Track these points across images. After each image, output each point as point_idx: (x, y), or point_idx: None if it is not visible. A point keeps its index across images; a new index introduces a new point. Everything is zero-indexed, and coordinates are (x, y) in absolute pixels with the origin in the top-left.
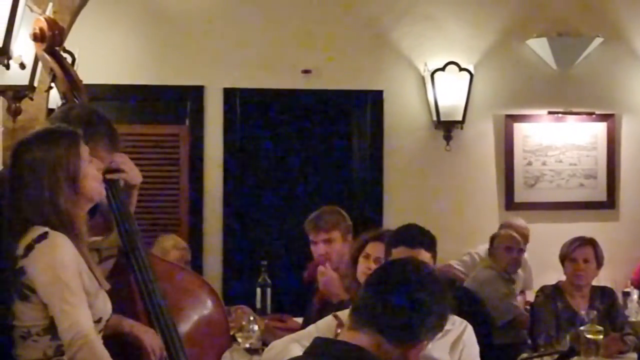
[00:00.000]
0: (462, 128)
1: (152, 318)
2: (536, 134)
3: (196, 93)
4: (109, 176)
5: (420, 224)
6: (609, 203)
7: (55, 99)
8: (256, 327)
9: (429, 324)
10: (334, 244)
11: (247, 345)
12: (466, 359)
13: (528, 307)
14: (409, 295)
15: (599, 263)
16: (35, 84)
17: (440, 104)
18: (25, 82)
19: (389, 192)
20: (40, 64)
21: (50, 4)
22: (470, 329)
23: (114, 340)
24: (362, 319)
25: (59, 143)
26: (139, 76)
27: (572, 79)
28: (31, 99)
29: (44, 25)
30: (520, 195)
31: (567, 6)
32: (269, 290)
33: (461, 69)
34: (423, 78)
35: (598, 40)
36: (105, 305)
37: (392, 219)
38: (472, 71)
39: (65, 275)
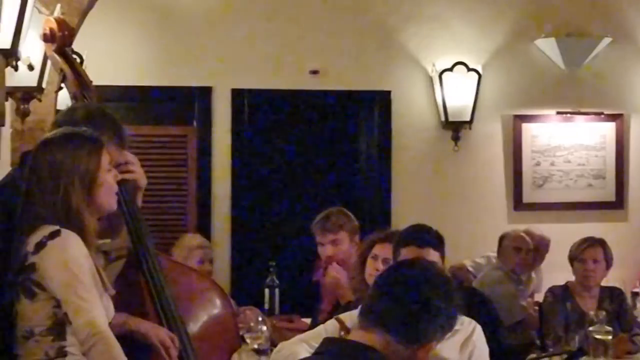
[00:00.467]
0: (470, 128)
1: (161, 318)
2: (544, 134)
3: (204, 94)
4: (120, 176)
5: (429, 224)
6: (618, 203)
7: (64, 100)
8: (265, 328)
9: (437, 325)
10: (341, 245)
11: (256, 346)
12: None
13: (537, 307)
14: (418, 295)
15: (608, 263)
16: (44, 85)
17: (448, 104)
18: (34, 83)
19: (397, 193)
20: (48, 65)
21: (59, 6)
22: (479, 329)
23: (122, 340)
24: (372, 318)
25: (81, 147)
26: (147, 77)
27: (581, 79)
28: (40, 100)
29: (54, 25)
30: (528, 196)
31: (576, 6)
32: (277, 291)
33: (469, 69)
34: (431, 78)
35: (607, 41)
36: (108, 309)
37: (400, 220)
38: (480, 71)
39: (79, 272)
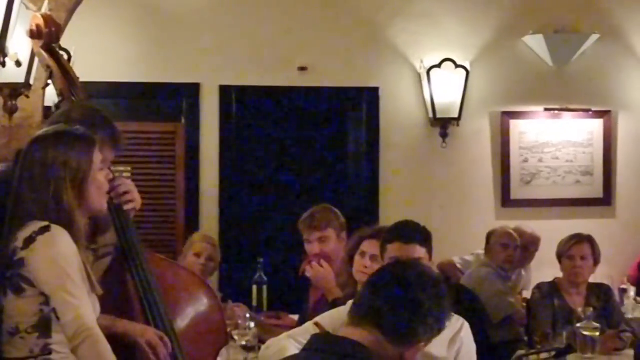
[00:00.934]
0: (458, 125)
1: (148, 316)
2: (532, 131)
3: (192, 90)
4: (126, 207)
5: (417, 221)
6: (606, 200)
7: (51, 96)
8: (252, 325)
9: (427, 326)
10: (328, 242)
11: (244, 343)
12: (464, 357)
13: (525, 304)
14: (409, 296)
15: (596, 260)
16: (32, 82)
17: (436, 101)
18: (21, 79)
19: (385, 189)
20: (36, 62)
21: (46, 2)
22: (467, 326)
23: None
24: (362, 316)
25: (73, 145)
26: (135, 74)
27: (569, 76)
28: (27, 96)
29: (41, 22)
30: (516, 192)
31: (564, 3)
32: (265, 288)
33: (457, 66)
34: (419, 75)
35: (594, 37)
36: (94, 309)
37: (388, 216)
38: (469, 68)
39: (68, 267)
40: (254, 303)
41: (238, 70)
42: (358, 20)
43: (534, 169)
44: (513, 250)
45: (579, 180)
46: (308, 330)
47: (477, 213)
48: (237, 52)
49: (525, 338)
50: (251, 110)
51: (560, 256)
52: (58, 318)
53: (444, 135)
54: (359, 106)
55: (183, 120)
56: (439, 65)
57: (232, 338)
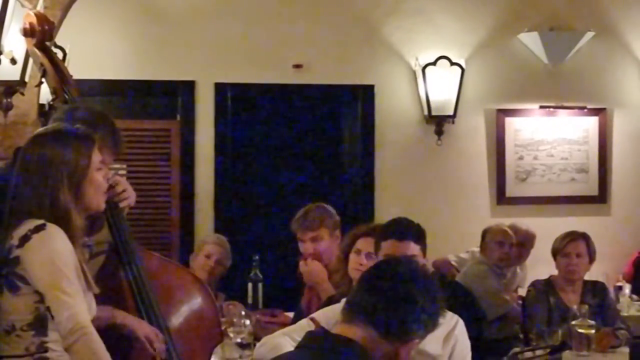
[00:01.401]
0: (453, 122)
1: (142, 313)
2: (528, 128)
3: (187, 88)
4: (121, 205)
5: (411, 218)
6: (601, 197)
7: (46, 94)
8: (248, 322)
9: (421, 322)
10: (321, 241)
11: (239, 340)
12: (458, 354)
13: (520, 301)
14: (402, 292)
15: (591, 258)
16: (27, 79)
17: (431, 98)
18: (17, 77)
19: (380, 187)
20: (31, 60)
21: (41, 0)
22: (461, 323)
23: (107, 333)
24: (356, 313)
25: (72, 144)
26: (130, 71)
27: (564, 74)
28: (22, 94)
29: (34, 20)
30: (511, 190)
31: (559, 1)
32: (260, 285)
33: (452, 64)
34: (414, 72)
35: (589, 35)
36: (90, 307)
37: (383, 214)
38: (464, 65)
39: (63, 266)
40: (249, 300)
41: (233, 68)
42: (353, 17)
43: (529, 167)
44: (508, 248)
45: (574, 178)
46: (303, 327)
47: (473, 210)
48: (232, 50)
49: (521, 335)
50: (246, 107)
51: (555, 253)
52: (52, 317)
53: (439, 133)
54: (354, 104)
55: (178, 118)
56: (434, 63)
57: (227, 335)
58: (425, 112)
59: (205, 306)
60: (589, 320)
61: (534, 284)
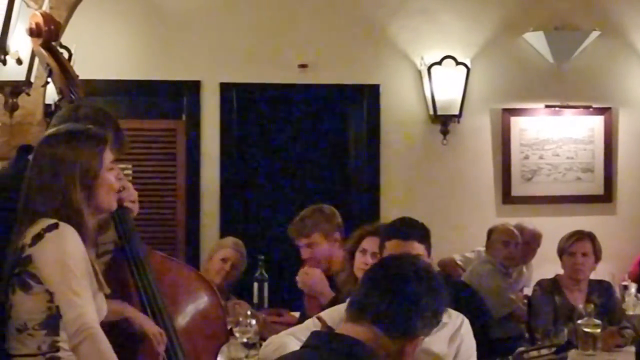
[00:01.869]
0: (458, 122)
1: (148, 313)
2: (533, 128)
3: (193, 88)
4: (129, 205)
5: (417, 218)
6: (606, 197)
7: (51, 94)
8: (254, 322)
9: (425, 319)
10: (316, 247)
11: (245, 340)
12: (464, 353)
13: (526, 300)
14: (406, 289)
15: (597, 257)
16: (32, 80)
17: (437, 98)
18: (22, 77)
19: (386, 186)
20: (37, 60)
21: (47, 0)
22: (467, 322)
23: (113, 332)
24: (360, 312)
25: (84, 144)
26: (136, 71)
27: (569, 73)
28: (28, 94)
29: (40, 20)
30: (517, 189)
31: (564, 0)
32: (266, 285)
33: (458, 63)
34: (420, 72)
35: (595, 34)
36: (101, 308)
37: (388, 213)
38: (469, 65)
39: (74, 265)
40: (255, 300)
41: (238, 68)
42: (359, 17)
43: (535, 166)
44: (514, 247)
45: (580, 177)
46: (309, 327)
47: (478, 210)
48: (237, 50)
49: (526, 335)
50: (252, 107)
51: (561, 253)
52: (60, 316)
53: (445, 132)
54: (360, 103)
55: (184, 118)
56: (439, 62)
57: (233, 335)
58: (431, 112)
59: (211, 305)
60: (595, 320)
61: (540, 284)
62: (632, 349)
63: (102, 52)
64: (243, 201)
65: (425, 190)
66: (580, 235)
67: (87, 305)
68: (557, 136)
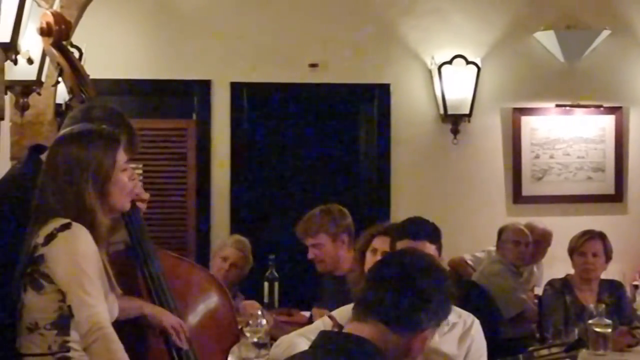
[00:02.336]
0: (469, 121)
1: None
2: (544, 127)
3: (203, 87)
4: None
5: (428, 218)
6: (617, 196)
7: (62, 94)
8: (264, 322)
9: (431, 312)
10: (322, 247)
11: (255, 340)
12: (474, 353)
13: (536, 300)
14: (410, 283)
15: (608, 256)
16: (43, 79)
17: (447, 97)
18: (33, 77)
19: (396, 186)
20: (47, 59)
21: None
22: (477, 323)
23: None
24: (366, 310)
25: (98, 144)
26: (146, 71)
27: (580, 72)
28: (39, 93)
29: (51, 19)
30: (527, 189)
31: None
32: (276, 285)
33: (468, 62)
34: (430, 71)
35: (606, 33)
36: (112, 309)
37: (399, 213)
38: (480, 64)
39: (86, 265)
40: (266, 300)
41: (249, 67)
42: (369, 16)
43: (545, 165)
44: (525, 247)
45: (591, 177)
46: (319, 326)
47: (488, 209)
48: (248, 49)
49: (537, 334)
50: (262, 106)
51: (571, 252)
52: (72, 315)
53: (455, 132)
54: (370, 103)
55: (194, 117)
56: (450, 62)
57: (244, 335)
58: (441, 111)
59: (221, 305)
60: (606, 319)
61: (551, 283)
62: None
63: (112, 51)
64: (253, 200)
65: (435, 190)
66: (590, 235)
67: (99, 305)
68: (567, 135)
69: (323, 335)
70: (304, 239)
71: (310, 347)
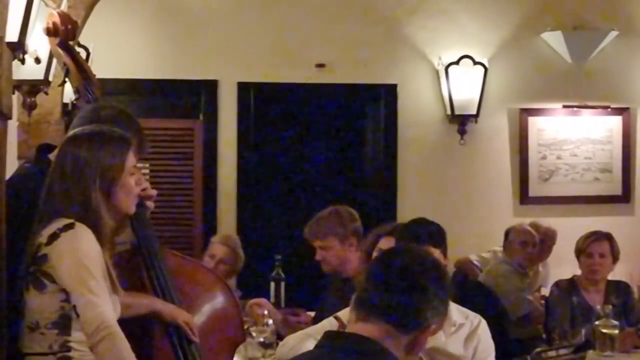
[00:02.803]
0: (476, 122)
1: None
2: (551, 128)
3: (210, 87)
4: (148, 203)
5: (434, 218)
6: (624, 197)
7: (69, 93)
8: (271, 321)
9: (433, 307)
10: (330, 250)
11: (262, 339)
12: (481, 354)
13: (543, 301)
14: (409, 280)
15: (615, 257)
16: (51, 79)
17: (454, 97)
18: (41, 76)
19: (403, 186)
20: (55, 59)
21: None
22: (484, 323)
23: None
24: (367, 309)
25: (108, 147)
26: (153, 70)
27: (587, 73)
28: (46, 93)
29: (57, 19)
30: (534, 189)
31: None
32: (282, 284)
33: (475, 63)
34: (437, 72)
35: (613, 34)
36: (115, 310)
37: (405, 213)
38: (487, 65)
39: (90, 265)
40: (272, 300)
41: (256, 67)
42: (376, 16)
43: (553, 166)
44: (532, 248)
45: (598, 178)
46: (325, 326)
47: (495, 210)
48: (254, 49)
49: (544, 335)
50: (269, 107)
51: (578, 253)
52: (78, 315)
53: (462, 132)
54: (377, 103)
55: (201, 117)
56: (457, 62)
57: (250, 335)
58: (448, 112)
59: (227, 305)
60: (613, 321)
61: (557, 284)
62: None
63: (119, 51)
64: (260, 201)
65: (442, 191)
66: (597, 236)
67: (105, 304)
68: (575, 136)
69: (328, 335)
70: (312, 241)
71: (316, 347)
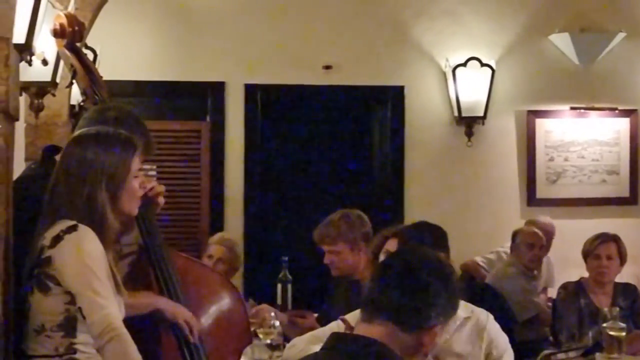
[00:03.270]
0: (483, 124)
1: None
2: (558, 130)
3: (217, 89)
4: (159, 202)
5: (441, 220)
6: (632, 199)
7: (76, 95)
8: (277, 323)
9: (439, 306)
10: (339, 255)
11: (268, 341)
12: (498, 346)
13: (550, 303)
14: (415, 280)
15: (622, 260)
16: (58, 81)
17: (461, 99)
18: (48, 78)
19: (410, 188)
20: (62, 60)
21: (72, 1)
22: (491, 318)
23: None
24: (373, 310)
25: (114, 149)
26: (160, 72)
27: (595, 75)
28: (53, 95)
29: (64, 21)
30: (542, 191)
31: (590, 1)
32: (289, 286)
33: (483, 65)
34: (444, 74)
35: (621, 36)
36: (119, 311)
37: (412, 215)
38: (494, 67)
39: (95, 266)
40: (279, 302)
41: (263, 69)
42: (383, 18)
43: (560, 168)
44: (539, 250)
45: (605, 180)
46: (333, 329)
47: (503, 212)
48: (262, 51)
49: (551, 338)
50: (276, 108)
51: (586, 255)
52: (84, 317)
53: (469, 134)
54: (384, 105)
55: (208, 119)
56: (464, 64)
57: (257, 336)
58: (456, 114)
59: (234, 307)
60: (620, 323)
61: (565, 286)
62: None
63: (126, 53)
64: (267, 202)
65: (449, 192)
66: (605, 238)
67: (110, 305)
68: (582, 138)
69: (335, 337)
70: (320, 245)
71: (322, 348)
